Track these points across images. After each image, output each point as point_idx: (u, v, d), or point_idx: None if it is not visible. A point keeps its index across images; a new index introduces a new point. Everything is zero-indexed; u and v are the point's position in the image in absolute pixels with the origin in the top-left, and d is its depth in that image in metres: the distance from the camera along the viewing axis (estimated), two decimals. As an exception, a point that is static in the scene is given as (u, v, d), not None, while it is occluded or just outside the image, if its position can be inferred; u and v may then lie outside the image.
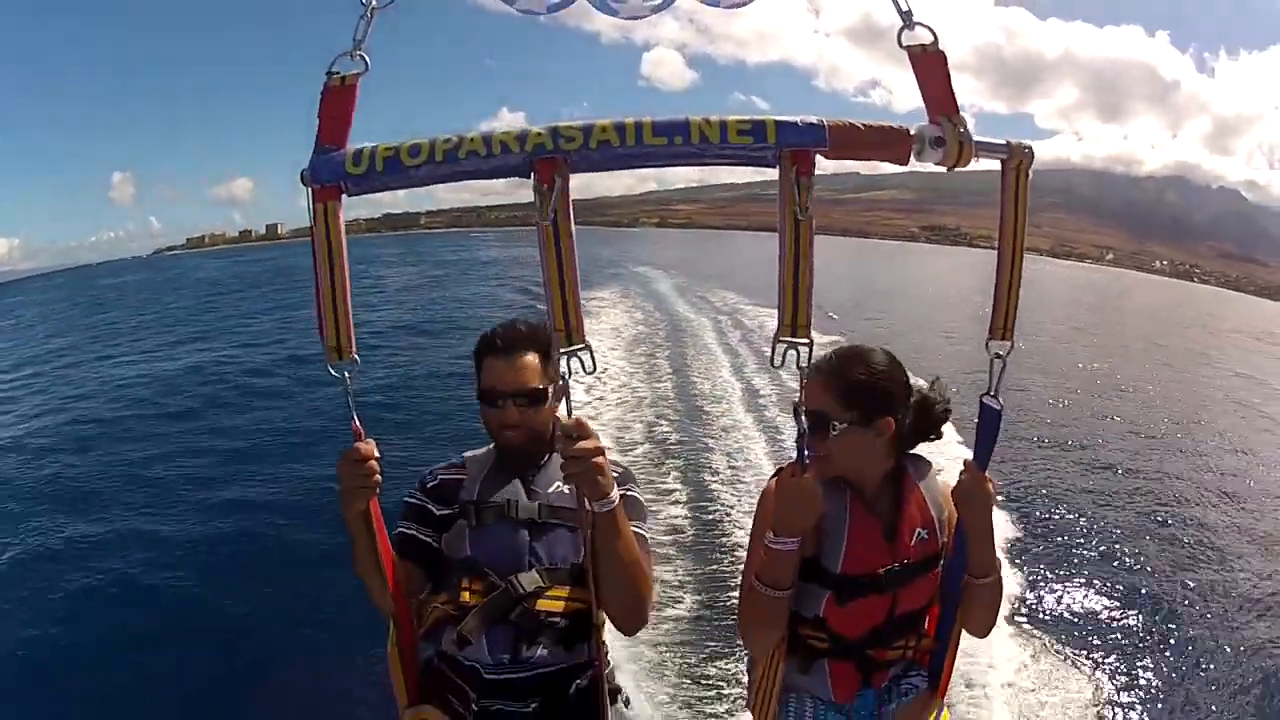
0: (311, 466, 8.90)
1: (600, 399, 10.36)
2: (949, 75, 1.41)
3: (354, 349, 1.42)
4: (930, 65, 1.41)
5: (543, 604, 1.73)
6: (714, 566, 6.09)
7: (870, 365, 1.66)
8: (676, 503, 7.30)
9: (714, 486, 7.68)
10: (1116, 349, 21.28)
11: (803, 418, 1.44)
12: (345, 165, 1.37)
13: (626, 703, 1.90)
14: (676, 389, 11.22)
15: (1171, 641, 5.76)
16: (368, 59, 1.39)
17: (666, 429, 9.45)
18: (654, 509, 6.97)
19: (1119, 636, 5.78)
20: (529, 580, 1.73)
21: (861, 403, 1.63)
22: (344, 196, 1.39)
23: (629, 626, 1.70)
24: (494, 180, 1.46)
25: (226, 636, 5.76)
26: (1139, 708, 4.91)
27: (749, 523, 1.83)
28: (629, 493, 1.74)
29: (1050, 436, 10.99)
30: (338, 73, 1.39)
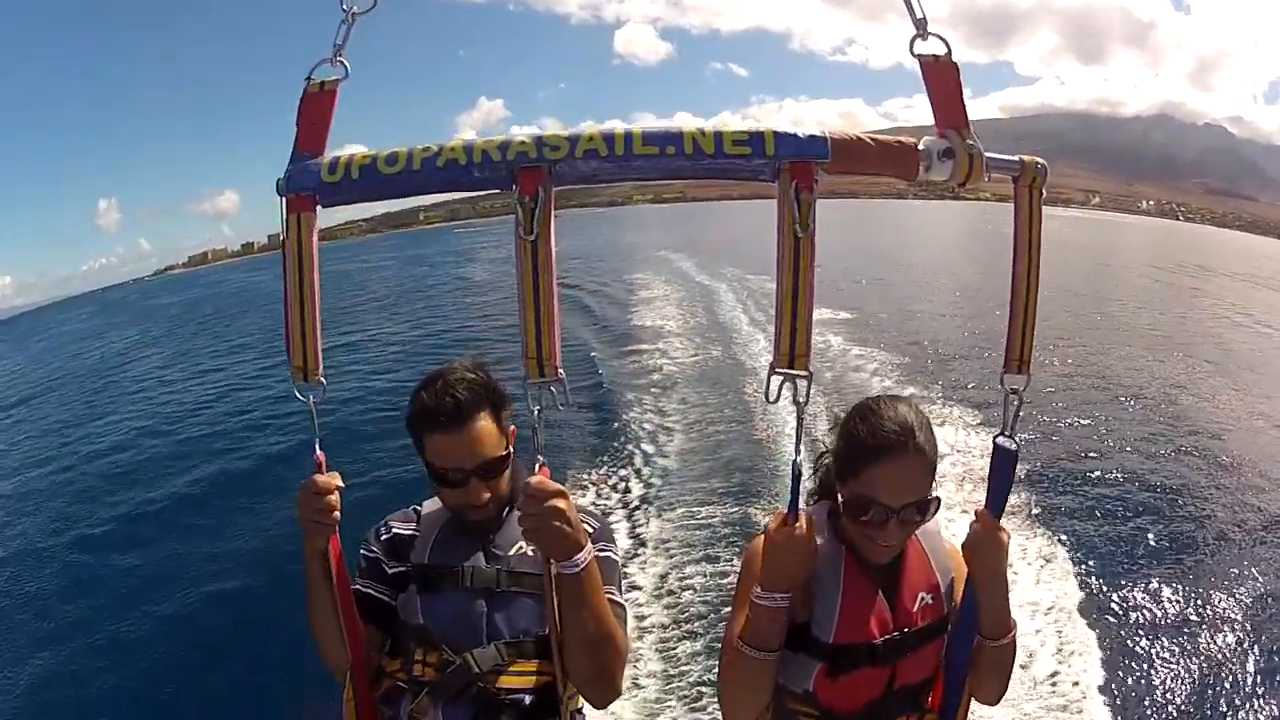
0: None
1: (674, 334, 14.94)
2: (961, 87, 1.33)
3: (320, 370, 1.36)
4: (942, 75, 1.33)
5: (505, 680, 1.56)
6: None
7: (933, 429, 1.48)
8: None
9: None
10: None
11: (798, 465, 1.31)
12: (321, 174, 1.32)
13: None
14: (710, 319, 16.74)
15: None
16: (348, 65, 1.37)
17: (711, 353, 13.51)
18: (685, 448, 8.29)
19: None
20: (486, 657, 1.55)
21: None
22: (319, 208, 1.34)
23: (598, 699, 1.55)
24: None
25: (172, 677, 5.51)
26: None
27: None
28: (603, 552, 1.55)
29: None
30: (317, 79, 1.36)
